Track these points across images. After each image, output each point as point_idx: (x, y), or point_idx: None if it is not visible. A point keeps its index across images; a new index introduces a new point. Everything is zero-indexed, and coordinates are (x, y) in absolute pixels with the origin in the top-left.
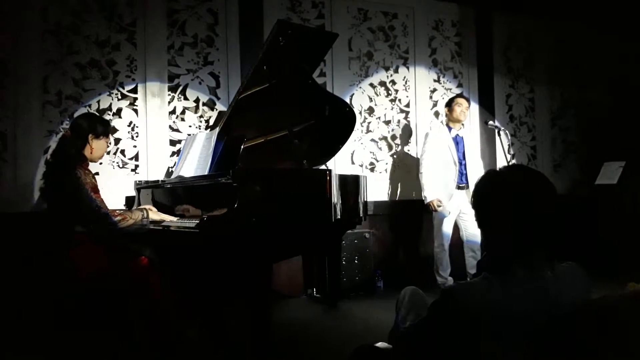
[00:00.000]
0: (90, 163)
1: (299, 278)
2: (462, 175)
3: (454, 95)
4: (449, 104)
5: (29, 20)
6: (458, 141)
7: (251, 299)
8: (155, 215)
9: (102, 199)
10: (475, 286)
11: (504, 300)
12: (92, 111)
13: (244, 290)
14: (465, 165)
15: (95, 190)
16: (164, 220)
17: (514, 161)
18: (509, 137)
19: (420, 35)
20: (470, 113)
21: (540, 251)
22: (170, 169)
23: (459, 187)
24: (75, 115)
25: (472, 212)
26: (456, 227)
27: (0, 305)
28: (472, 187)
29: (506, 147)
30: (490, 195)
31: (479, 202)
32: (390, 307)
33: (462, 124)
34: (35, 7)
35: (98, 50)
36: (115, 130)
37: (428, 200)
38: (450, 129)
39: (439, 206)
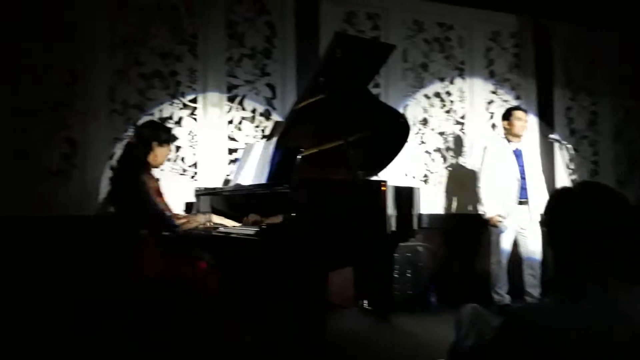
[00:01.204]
0: (152, 169)
1: (350, 289)
2: (523, 190)
3: (511, 107)
4: (507, 117)
5: (99, 33)
6: (518, 155)
7: (307, 306)
8: (217, 219)
9: (165, 202)
10: (545, 308)
11: (577, 323)
12: (156, 119)
13: (299, 298)
14: (525, 179)
15: (159, 193)
16: (225, 225)
17: (574, 176)
18: (571, 152)
19: (476, 46)
20: (528, 126)
21: (617, 272)
22: (228, 177)
23: (520, 203)
24: (140, 123)
25: (533, 228)
26: (515, 244)
27: (67, 302)
28: (532, 202)
29: (566, 162)
30: (563, 213)
31: (552, 220)
32: (445, 323)
33: (521, 138)
34: (105, 21)
35: (161, 62)
36: (175, 138)
37: (488, 216)
38: (509, 142)
39: (499, 222)
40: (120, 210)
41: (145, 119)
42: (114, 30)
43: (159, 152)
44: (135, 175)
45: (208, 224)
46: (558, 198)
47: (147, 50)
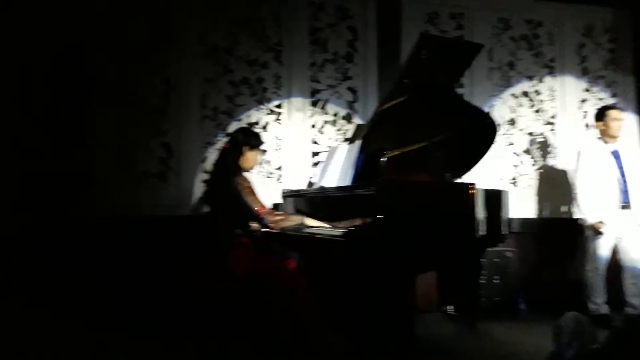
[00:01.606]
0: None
1: (433, 293)
2: (625, 193)
3: (604, 106)
4: (601, 118)
5: (191, 43)
6: (616, 156)
7: (393, 308)
8: (310, 221)
9: (260, 200)
10: None
11: None
12: (245, 125)
13: (386, 299)
14: (626, 182)
15: (253, 192)
16: (317, 227)
17: None
18: None
19: (568, 42)
20: (627, 125)
21: None
22: (311, 180)
23: (622, 207)
24: (228, 129)
25: (635, 234)
26: (614, 250)
27: (160, 298)
28: (634, 206)
29: None
30: None
31: None
32: (535, 332)
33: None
34: (196, 31)
35: (248, 69)
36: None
37: (590, 222)
38: (605, 143)
39: (601, 228)
40: (215, 210)
41: (234, 124)
42: (204, 41)
43: (250, 156)
44: (228, 177)
45: (301, 225)
46: None
47: (236, 58)
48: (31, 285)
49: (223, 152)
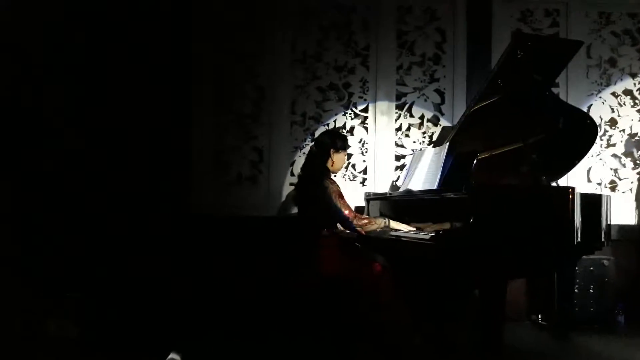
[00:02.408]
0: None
1: (521, 301)
2: None
3: None
4: None
5: (282, 51)
6: None
7: (482, 313)
8: (395, 224)
9: (347, 204)
10: None
11: None
12: (331, 128)
13: (477, 305)
14: None
15: (341, 196)
16: (401, 230)
17: None
18: None
19: None
20: None
21: None
22: (395, 183)
23: None
24: (316, 133)
25: None
26: None
27: (245, 295)
28: None
29: None
30: None
31: None
32: (634, 345)
33: None
34: (287, 39)
35: (336, 75)
36: (349, 145)
37: None
38: None
39: None
40: (304, 212)
41: (321, 129)
42: (294, 48)
43: (336, 158)
44: (317, 180)
45: (386, 228)
46: None
47: (324, 64)
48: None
49: (310, 155)
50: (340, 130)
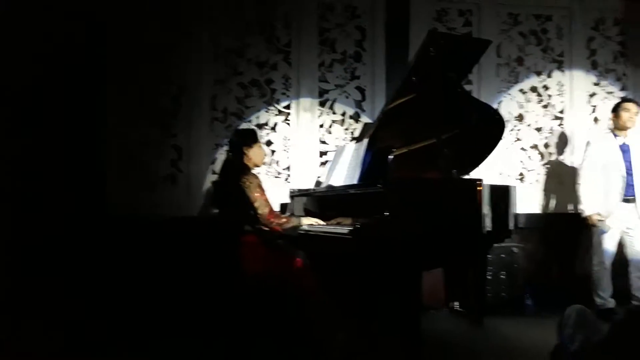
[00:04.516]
0: (255, 168)
1: (440, 290)
2: (630, 187)
3: (620, 99)
4: (615, 109)
5: (203, 46)
6: (625, 150)
7: (400, 304)
8: (307, 221)
9: (267, 199)
10: None
11: None
12: (241, 127)
13: (393, 296)
14: (632, 176)
15: (262, 190)
16: (317, 224)
17: None
18: None
19: (577, 36)
20: (638, 119)
21: None
22: (319, 179)
23: (625, 200)
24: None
25: None
26: (619, 244)
27: (168, 296)
28: (639, 200)
29: None
30: None
31: None
32: (542, 326)
33: (627, 132)
34: (208, 34)
35: (258, 71)
36: (271, 143)
37: (586, 214)
38: (615, 136)
39: (599, 221)
40: (225, 212)
41: (243, 126)
42: (215, 43)
43: (251, 153)
44: (236, 179)
45: (300, 226)
46: None
47: (246, 60)
48: (43, 285)
49: (227, 159)
50: (263, 127)
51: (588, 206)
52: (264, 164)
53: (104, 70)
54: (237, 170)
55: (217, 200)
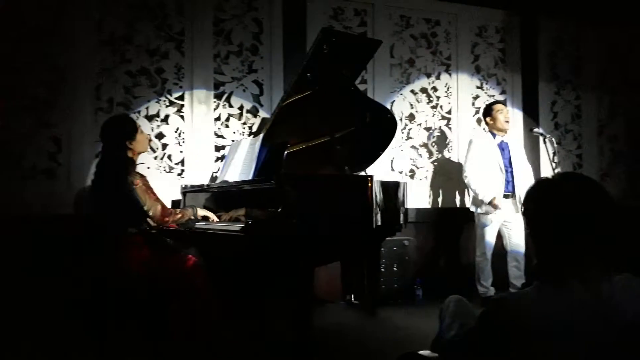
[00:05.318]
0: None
1: (337, 284)
2: (508, 183)
3: (490, 103)
4: (489, 113)
5: (86, 30)
6: (503, 148)
7: (293, 301)
8: (202, 212)
9: (157, 197)
10: (527, 296)
11: (557, 311)
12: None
13: (286, 293)
14: (511, 172)
15: (150, 190)
16: (211, 218)
17: (558, 169)
18: (555, 145)
19: (463, 41)
20: (514, 120)
21: (596, 261)
22: (215, 174)
23: (505, 196)
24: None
25: (517, 220)
26: (499, 236)
27: (48, 301)
28: (518, 195)
29: (551, 155)
30: (543, 203)
31: (531, 210)
32: (431, 315)
33: (506, 132)
34: (92, 18)
35: (148, 59)
36: (162, 135)
37: (488, 199)
38: (494, 135)
39: (483, 215)
40: (107, 211)
41: (132, 117)
42: (100, 28)
43: (135, 145)
44: (120, 177)
45: (194, 217)
46: (538, 188)
47: (134, 47)
48: None
49: (103, 158)
50: (154, 119)
51: (486, 192)
52: (149, 152)
53: None
54: (121, 167)
55: (99, 198)
